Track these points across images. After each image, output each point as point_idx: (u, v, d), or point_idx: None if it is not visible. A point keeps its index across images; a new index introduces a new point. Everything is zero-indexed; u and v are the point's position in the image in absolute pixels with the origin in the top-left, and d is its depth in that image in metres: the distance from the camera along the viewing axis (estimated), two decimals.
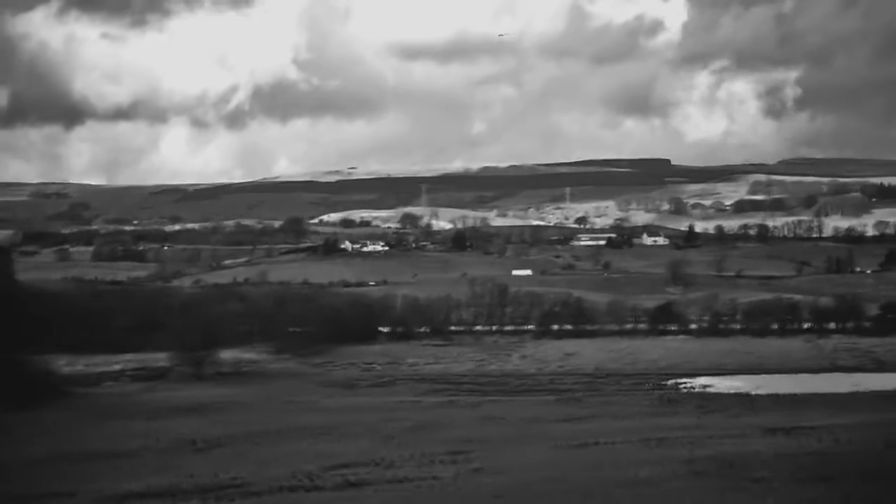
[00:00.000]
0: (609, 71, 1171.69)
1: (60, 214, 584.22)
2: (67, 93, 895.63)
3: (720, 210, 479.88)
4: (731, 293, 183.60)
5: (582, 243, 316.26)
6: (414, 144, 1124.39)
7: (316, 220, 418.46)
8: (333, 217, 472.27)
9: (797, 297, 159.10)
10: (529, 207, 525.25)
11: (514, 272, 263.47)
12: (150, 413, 70.66)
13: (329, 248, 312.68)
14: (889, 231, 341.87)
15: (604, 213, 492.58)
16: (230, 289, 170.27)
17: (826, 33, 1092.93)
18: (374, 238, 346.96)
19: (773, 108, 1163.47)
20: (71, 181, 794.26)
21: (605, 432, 44.44)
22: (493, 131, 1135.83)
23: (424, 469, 33.83)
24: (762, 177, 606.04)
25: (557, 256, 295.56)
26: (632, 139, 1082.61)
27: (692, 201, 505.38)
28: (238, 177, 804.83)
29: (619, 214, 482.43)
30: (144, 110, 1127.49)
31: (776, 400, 71.04)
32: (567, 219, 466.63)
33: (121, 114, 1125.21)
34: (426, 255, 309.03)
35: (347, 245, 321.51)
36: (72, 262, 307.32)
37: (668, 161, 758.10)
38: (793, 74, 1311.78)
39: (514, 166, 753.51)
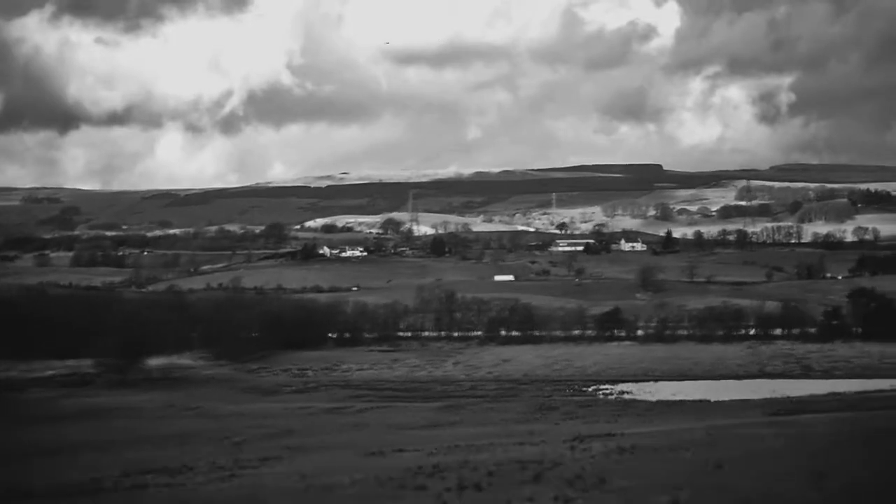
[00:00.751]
0: (603, 76, 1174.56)
1: (51, 219, 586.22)
2: (62, 97, 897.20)
3: (706, 216, 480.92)
4: (697, 299, 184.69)
5: (560, 249, 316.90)
6: (408, 149, 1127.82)
7: (297, 227, 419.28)
8: (319, 222, 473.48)
9: (745, 302, 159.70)
10: (516, 213, 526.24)
11: (497, 277, 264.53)
12: (50, 417, 71.51)
13: (307, 254, 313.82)
14: (868, 237, 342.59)
15: (590, 218, 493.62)
16: (180, 295, 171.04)
17: (819, 39, 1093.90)
18: (356, 244, 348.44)
19: (768, 113, 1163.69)
20: (65, 186, 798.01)
21: (440, 439, 45.19)
22: (487, 136, 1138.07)
23: (208, 475, 34.61)
24: (751, 182, 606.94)
25: (534, 262, 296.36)
26: (626, 144, 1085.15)
27: (679, 207, 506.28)
28: (233, 181, 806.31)
29: (605, 220, 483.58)
30: (139, 115, 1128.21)
31: (652, 406, 71.77)
32: (552, 224, 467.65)
33: (115, 118, 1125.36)
34: (403, 261, 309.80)
35: (326, 251, 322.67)
36: (51, 267, 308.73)
37: (659, 166, 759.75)
38: (787, 80, 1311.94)
39: (507, 171, 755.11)
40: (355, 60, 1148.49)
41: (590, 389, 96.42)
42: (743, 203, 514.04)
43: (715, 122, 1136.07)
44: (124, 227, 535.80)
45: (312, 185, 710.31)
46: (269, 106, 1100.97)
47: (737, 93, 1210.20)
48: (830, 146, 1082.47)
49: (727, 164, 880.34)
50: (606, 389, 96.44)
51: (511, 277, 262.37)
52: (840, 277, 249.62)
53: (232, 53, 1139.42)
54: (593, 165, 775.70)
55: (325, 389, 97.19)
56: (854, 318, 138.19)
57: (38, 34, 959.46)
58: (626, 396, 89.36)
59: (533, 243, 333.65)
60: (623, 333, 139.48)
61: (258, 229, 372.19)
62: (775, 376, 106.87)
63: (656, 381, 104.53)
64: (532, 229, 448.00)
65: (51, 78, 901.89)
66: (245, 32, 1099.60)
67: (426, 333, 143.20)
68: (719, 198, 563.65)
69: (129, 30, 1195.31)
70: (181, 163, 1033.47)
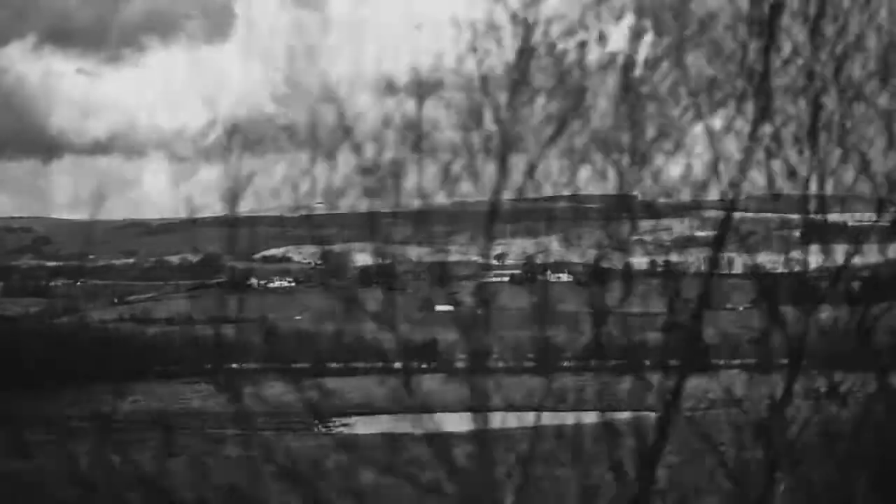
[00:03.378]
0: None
1: (22, 249, 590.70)
2: (45, 127, 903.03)
3: (660, 245, 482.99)
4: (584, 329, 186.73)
5: (485, 280, 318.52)
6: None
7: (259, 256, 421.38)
8: (274, 252, 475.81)
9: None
10: (470, 244, 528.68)
11: (438, 307, 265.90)
12: None
13: (234, 284, 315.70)
14: (798, 268, 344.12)
15: (545, 248, 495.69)
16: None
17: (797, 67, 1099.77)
18: (294, 273, 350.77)
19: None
20: (42, 215, 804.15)
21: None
22: (472, 166, 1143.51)
23: None
24: (716, 212, 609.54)
25: (453, 293, 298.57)
26: (613, 174, 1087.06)
27: (635, 237, 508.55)
28: (219, 211, 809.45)
29: (559, 250, 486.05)
30: (122, 145, 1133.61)
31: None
32: (508, 255, 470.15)
33: (99, 148, 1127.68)
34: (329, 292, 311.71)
35: (253, 280, 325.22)
36: None
37: (634, 196, 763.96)
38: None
39: (482, 201, 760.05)
40: (336, 91, 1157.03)
41: (315, 421, 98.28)
42: (701, 233, 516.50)
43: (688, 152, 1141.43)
44: (91, 256, 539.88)
45: (289, 215, 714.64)
46: (254, 135, 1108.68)
47: (726, 121, 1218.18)
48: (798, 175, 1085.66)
49: (714, 193, 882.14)
50: (332, 422, 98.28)
51: (451, 307, 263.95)
52: (742, 308, 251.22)
53: (215, 83, 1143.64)
54: (569, 195, 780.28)
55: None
56: (666, 350, 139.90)
57: (21, 64, 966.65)
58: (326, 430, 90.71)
59: (463, 273, 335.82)
60: (436, 365, 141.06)
61: (195, 259, 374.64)
62: (523, 409, 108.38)
63: (405, 413, 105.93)
64: (490, 261, 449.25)
65: (34, 108, 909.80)
66: (227, 62, 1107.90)
67: (249, 366, 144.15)
68: (684, 227, 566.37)
69: (111, 60, 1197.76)
70: (165, 192, 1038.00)
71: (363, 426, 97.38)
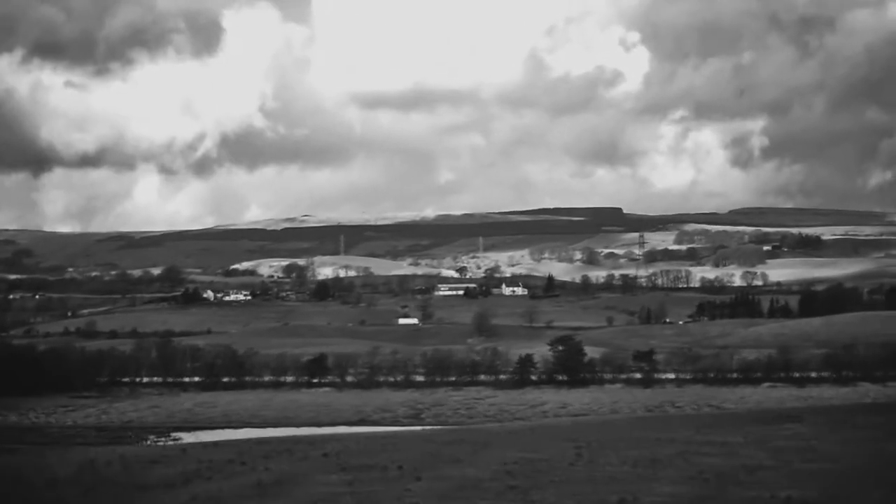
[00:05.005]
0: (572, 121, 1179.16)
1: (3, 261, 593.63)
2: (34, 140, 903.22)
3: (632, 259, 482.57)
4: (524, 343, 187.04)
5: (440, 293, 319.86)
6: (381, 193, 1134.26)
7: (199, 270, 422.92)
8: (248, 265, 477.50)
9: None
10: (447, 257, 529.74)
11: (401, 321, 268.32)
12: None
13: (189, 298, 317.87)
14: (758, 282, 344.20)
15: (518, 262, 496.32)
16: None
17: (783, 84, 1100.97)
18: (252, 287, 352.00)
19: (740, 157, 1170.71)
20: (32, 228, 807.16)
21: None
22: (464, 179, 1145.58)
23: None
24: (695, 226, 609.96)
25: (404, 306, 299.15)
26: (600, 188, 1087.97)
27: (607, 251, 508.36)
28: (209, 223, 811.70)
29: (532, 264, 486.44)
30: (112, 157, 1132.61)
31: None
32: (479, 268, 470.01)
33: (88, 161, 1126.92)
34: (283, 306, 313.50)
35: (209, 294, 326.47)
36: None
37: (619, 210, 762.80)
38: (753, 124, 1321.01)
39: (467, 214, 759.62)
40: (323, 104, 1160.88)
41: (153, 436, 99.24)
42: (676, 247, 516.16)
43: (687, 166, 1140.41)
44: (70, 269, 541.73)
45: (269, 228, 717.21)
46: (242, 149, 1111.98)
47: (710, 136, 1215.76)
48: (804, 190, 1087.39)
49: (699, 207, 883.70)
50: (175, 435, 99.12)
51: (415, 321, 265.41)
52: (682, 322, 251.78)
53: (204, 97, 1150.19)
54: (554, 209, 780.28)
55: None
56: (554, 365, 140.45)
57: (10, 77, 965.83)
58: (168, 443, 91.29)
59: (418, 287, 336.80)
60: (330, 379, 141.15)
61: (155, 272, 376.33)
62: (383, 424, 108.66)
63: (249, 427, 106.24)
64: (455, 274, 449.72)
65: (23, 120, 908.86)
66: (216, 76, 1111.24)
67: (144, 380, 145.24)
68: (661, 241, 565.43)
69: (99, 73, 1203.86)
70: (155, 205, 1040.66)
71: (194, 438, 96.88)
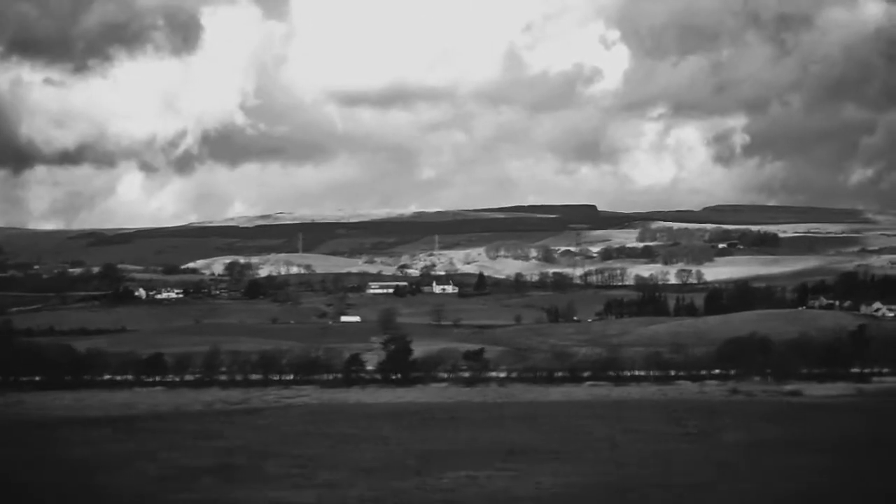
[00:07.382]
0: (552, 119, 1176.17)
1: None
2: (14, 136, 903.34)
3: (588, 257, 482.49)
4: (426, 342, 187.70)
5: (371, 291, 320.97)
6: (365, 190, 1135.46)
7: (141, 268, 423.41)
8: (201, 262, 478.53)
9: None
10: (404, 255, 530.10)
11: (343, 318, 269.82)
12: None
13: (119, 296, 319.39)
14: (692, 280, 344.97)
15: (474, 259, 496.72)
16: None
17: (762, 82, 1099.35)
18: (192, 285, 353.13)
19: (722, 154, 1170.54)
20: (13, 226, 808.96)
21: None
22: (446, 176, 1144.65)
23: None
24: (661, 223, 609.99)
25: (329, 304, 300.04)
26: (583, 186, 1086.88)
27: (563, 249, 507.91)
28: (194, 220, 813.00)
29: (487, 262, 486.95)
30: (92, 155, 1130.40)
31: None
32: (434, 265, 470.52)
33: (68, 158, 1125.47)
34: (210, 304, 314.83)
35: (141, 292, 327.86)
36: None
37: (594, 207, 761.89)
38: (731, 122, 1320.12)
39: (440, 212, 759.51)
40: (304, 101, 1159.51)
41: None
42: (635, 244, 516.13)
43: (670, 164, 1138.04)
44: (36, 266, 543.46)
45: (242, 226, 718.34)
46: (224, 145, 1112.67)
47: (691, 134, 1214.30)
48: (786, 187, 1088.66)
49: (680, 204, 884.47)
50: None
51: (358, 318, 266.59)
52: (590, 320, 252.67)
53: (184, 94, 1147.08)
54: (529, 206, 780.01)
55: None
56: (384, 364, 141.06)
57: None
58: None
59: (351, 285, 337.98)
60: (170, 378, 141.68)
61: (95, 270, 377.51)
62: None
63: None
64: (414, 272, 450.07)
65: (3, 117, 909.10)
66: (196, 73, 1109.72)
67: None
68: (625, 238, 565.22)
69: (78, 70, 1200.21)
70: (136, 202, 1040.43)
71: None
